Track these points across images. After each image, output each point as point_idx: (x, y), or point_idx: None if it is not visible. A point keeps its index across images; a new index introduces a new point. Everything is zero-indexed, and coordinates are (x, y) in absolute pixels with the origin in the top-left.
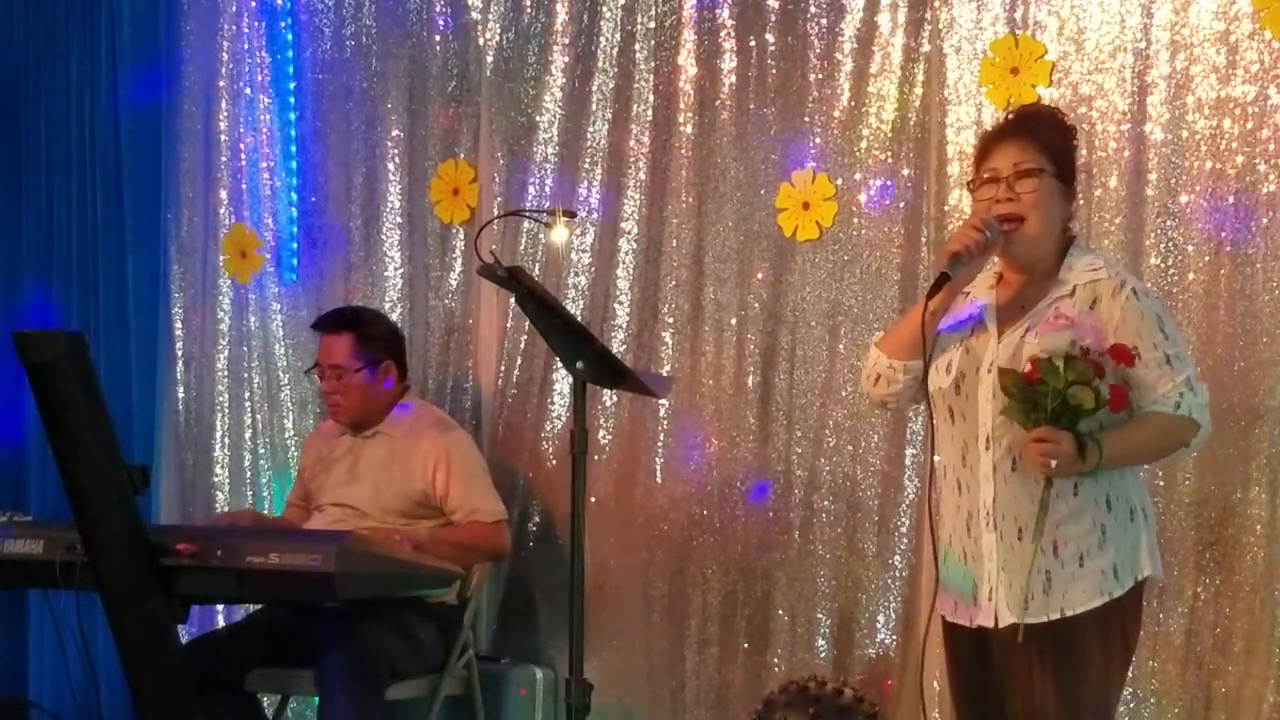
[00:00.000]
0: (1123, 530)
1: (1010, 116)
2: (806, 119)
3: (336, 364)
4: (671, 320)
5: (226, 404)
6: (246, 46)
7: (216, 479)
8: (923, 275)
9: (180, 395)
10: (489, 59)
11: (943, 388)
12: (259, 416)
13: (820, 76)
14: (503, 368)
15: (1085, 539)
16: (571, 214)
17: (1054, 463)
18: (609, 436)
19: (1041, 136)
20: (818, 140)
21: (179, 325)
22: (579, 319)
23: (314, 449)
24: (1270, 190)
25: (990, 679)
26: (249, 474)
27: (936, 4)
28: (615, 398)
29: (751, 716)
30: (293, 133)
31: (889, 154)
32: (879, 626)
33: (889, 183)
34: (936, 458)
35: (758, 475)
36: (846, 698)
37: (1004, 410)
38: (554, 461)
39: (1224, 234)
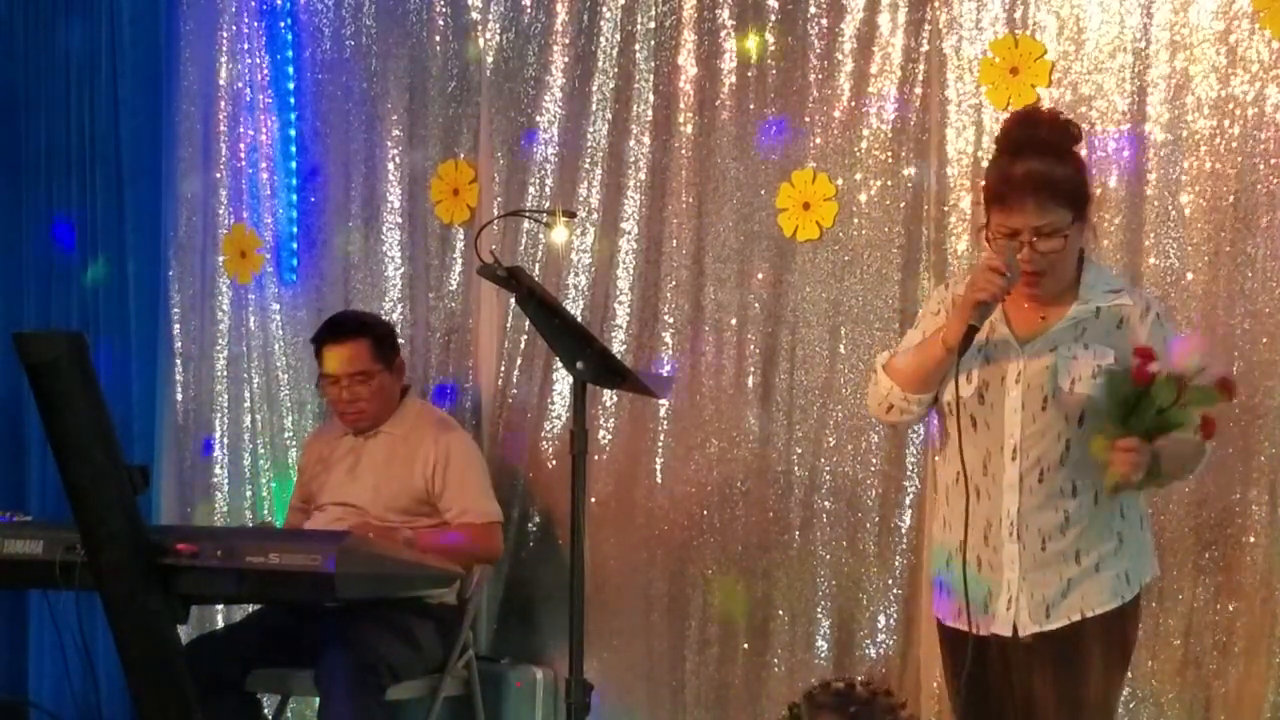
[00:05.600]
0: (1134, 538)
1: (1023, 165)
2: (806, 119)
3: (361, 370)
4: (671, 320)
5: (226, 404)
6: (246, 46)
7: (216, 479)
8: (923, 275)
9: (179, 395)
10: (489, 59)
11: (963, 397)
12: (259, 416)
13: (820, 76)
14: (503, 368)
15: (1104, 547)
16: (571, 214)
17: (1122, 473)
18: (609, 436)
19: (1059, 189)
20: (818, 140)
21: (178, 325)
22: (579, 319)
23: (314, 451)
24: (1270, 190)
25: (992, 683)
26: (249, 474)
27: (936, 4)
28: (615, 398)
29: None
30: (292, 133)
31: (889, 154)
32: (879, 627)
33: (889, 183)
34: (937, 458)
35: (756, 473)
36: (884, 702)
37: (1092, 408)
38: (554, 461)
39: (1224, 234)
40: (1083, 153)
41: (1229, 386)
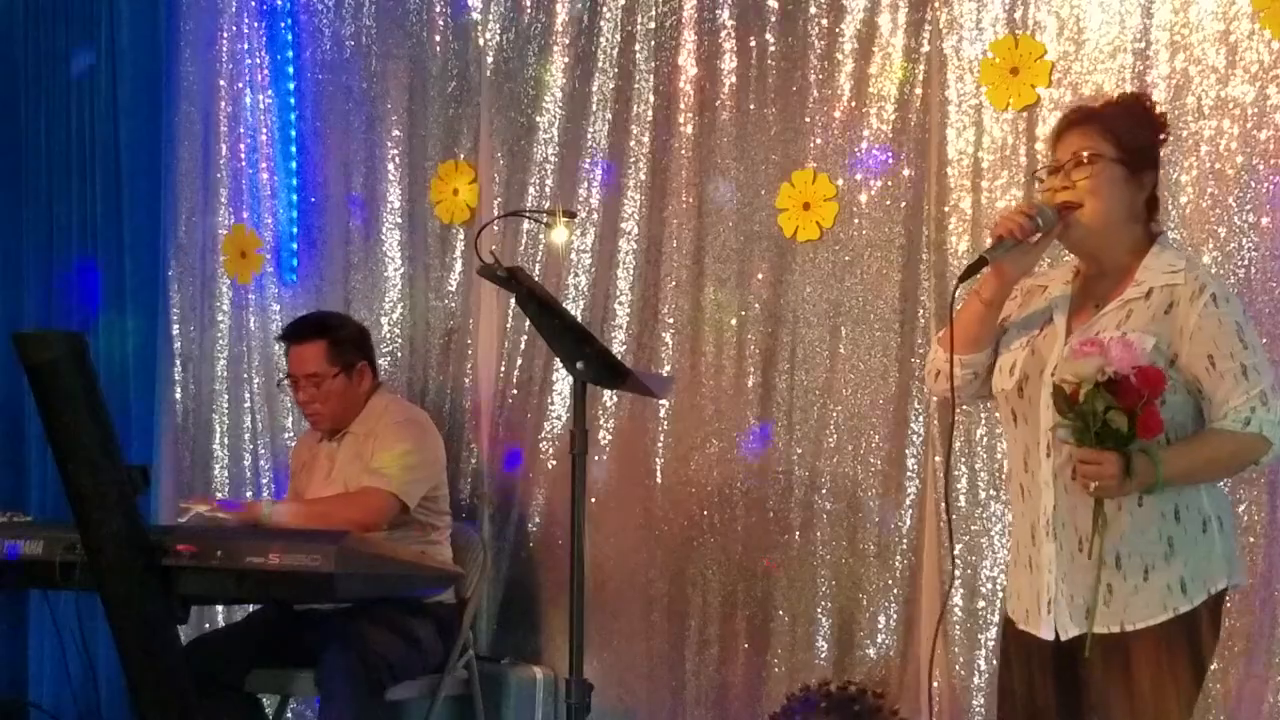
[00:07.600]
0: (1193, 543)
1: (1083, 105)
2: (806, 119)
3: (312, 373)
4: (671, 320)
5: (226, 404)
6: (246, 46)
7: (216, 479)
8: (923, 275)
9: (179, 395)
10: (489, 59)
11: (1006, 390)
12: (258, 416)
13: (820, 77)
14: (503, 368)
15: (1150, 551)
16: (571, 214)
17: (1094, 485)
18: (609, 436)
19: (1106, 122)
20: (818, 140)
21: (177, 325)
22: (579, 319)
23: (299, 455)
24: (1270, 190)
25: (1046, 691)
26: (248, 474)
27: (936, 4)
28: (615, 398)
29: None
30: (293, 133)
31: (889, 154)
32: (879, 627)
33: (889, 183)
34: (939, 460)
35: (758, 472)
36: (872, 701)
37: (1053, 427)
38: (554, 461)
39: (1224, 234)
40: (1163, 135)
41: (1114, 385)
